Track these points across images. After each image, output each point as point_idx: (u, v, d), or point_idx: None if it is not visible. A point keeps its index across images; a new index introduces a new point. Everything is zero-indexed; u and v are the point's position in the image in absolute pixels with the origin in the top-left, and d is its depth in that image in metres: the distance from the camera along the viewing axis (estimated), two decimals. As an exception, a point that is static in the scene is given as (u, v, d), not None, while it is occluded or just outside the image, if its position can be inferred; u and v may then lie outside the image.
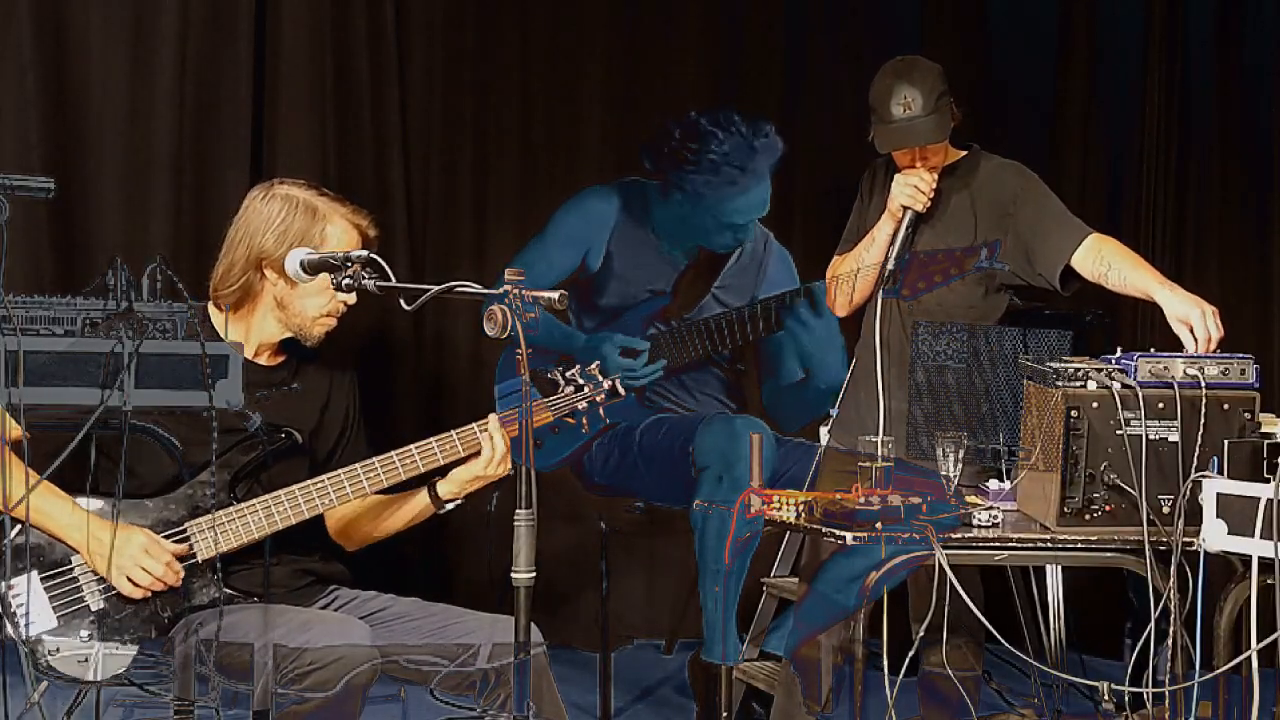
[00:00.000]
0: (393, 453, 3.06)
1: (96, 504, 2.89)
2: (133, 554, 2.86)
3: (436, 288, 2.65)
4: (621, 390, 3.23)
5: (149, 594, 2.89)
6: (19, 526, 2.83)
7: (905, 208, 3.63)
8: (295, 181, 3.21)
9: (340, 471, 3.04)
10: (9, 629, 2.71)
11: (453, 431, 3.09)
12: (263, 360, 3.17)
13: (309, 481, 3.02)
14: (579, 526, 4.66)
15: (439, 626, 3.08)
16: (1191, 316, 3.28)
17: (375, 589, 3.24)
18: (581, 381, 3.19)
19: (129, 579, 2.87)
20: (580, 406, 3.18)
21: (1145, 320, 4.79)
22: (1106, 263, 3.53)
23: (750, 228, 4.88)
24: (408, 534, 4.54)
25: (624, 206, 4.86)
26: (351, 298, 3.11)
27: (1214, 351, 3.24)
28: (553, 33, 4.88)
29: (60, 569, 2.88)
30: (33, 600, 2.84)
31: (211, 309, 3.13)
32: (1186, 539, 3.00)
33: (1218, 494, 2.95)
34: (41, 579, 2.87)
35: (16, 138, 4.15)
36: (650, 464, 4.55)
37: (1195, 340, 3.27)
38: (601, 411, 3.20)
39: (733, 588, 4.02)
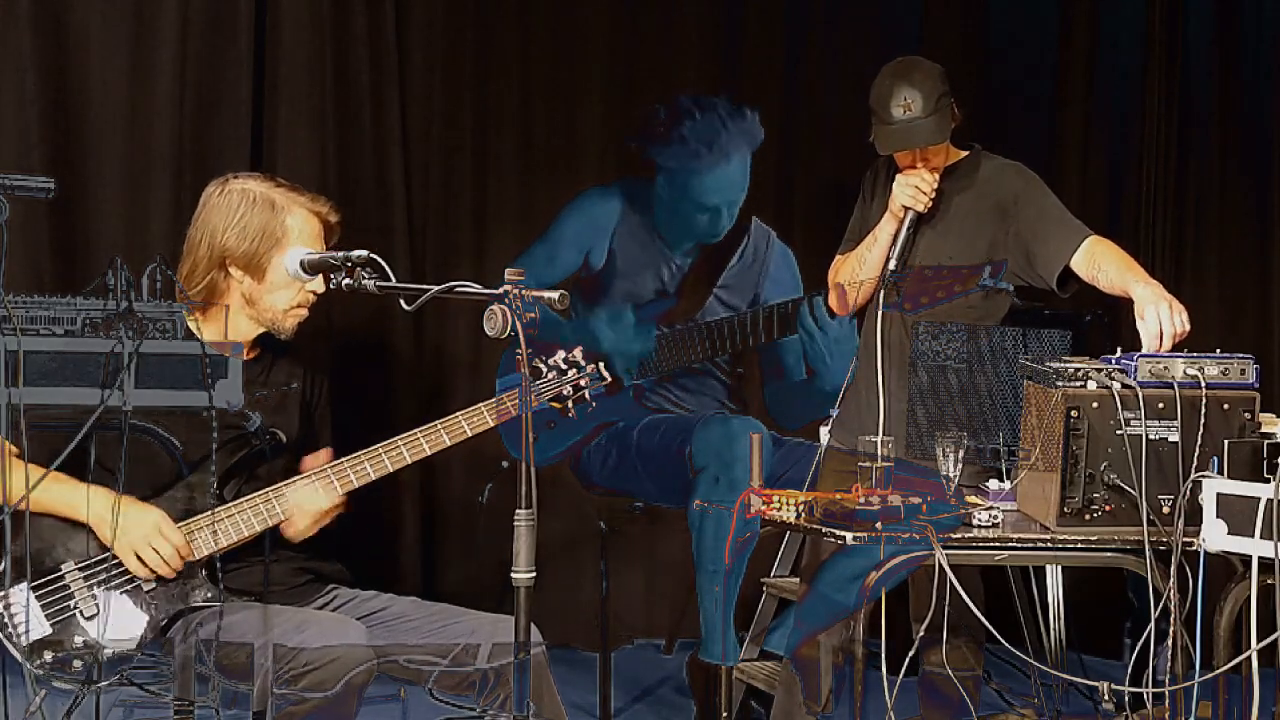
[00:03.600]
0: (378, 445, 3.05)
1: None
2: (146, 532, 2.87)
3: (436, 288, 2.65)
4: (606, 374, 3.22)
5: (153, 576, 2.89)
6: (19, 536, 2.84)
7: (906, 208, 3.63)
8: (250, 175, 3.21)
9: (327, 467, 3.04)
10: (4, 640, 2.71)
11: (437, 423, 3.07)
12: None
13: (298, 478, 3.02)
14: (579, 526, 4.66)
15: (438, 626, 3.08)
16: (1148, 311, 3.27)
17: (374, 588, 3.23)
18: (565, 366, 3.18)
19: (138, 556, 2.87)
20: (565, 391, 3.16)
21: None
22: (1098, 265, 3.53)
23: (727, 213, 4.85)
24: (405, 532, 4.60)
25: (626, 206, 4.86)
26: (321, 287, 3.11)
27: (1174, 348, 3.23)
28: (552, 32, 4.88)
29: (51, 576, 2.88)
30: (29, 607, 2.84)
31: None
32: (1186, 539, 3.00)
33: (1218, 494, 2.95)
34: (32, 588, 2.86)
35: (16, 138, 4.15)
36: (648, 464, 4.55)
37: (1154, 333, 3.26)
38: (588, 395, 3.19)
39: (731, 588, 4.02)
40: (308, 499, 3.01)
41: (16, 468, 2.55)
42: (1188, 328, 3.26)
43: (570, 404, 3.17)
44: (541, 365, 3.16)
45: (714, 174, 4.81)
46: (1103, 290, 3.54)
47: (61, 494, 2.87)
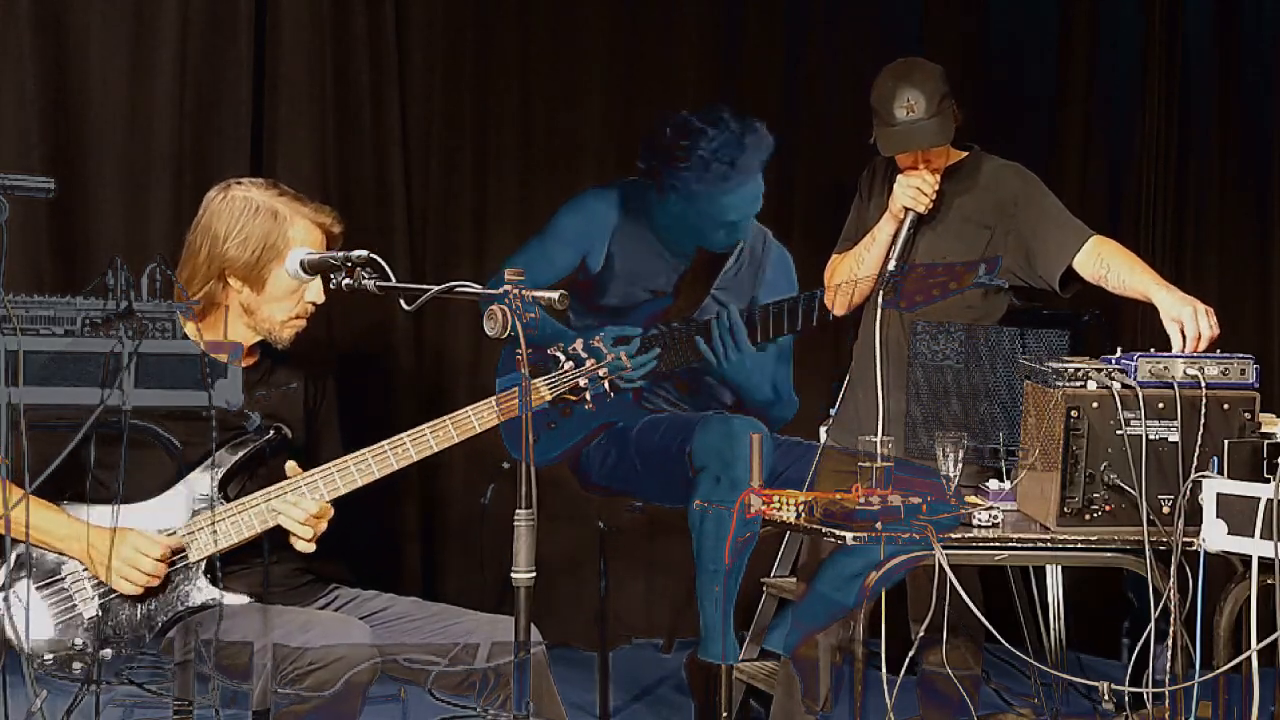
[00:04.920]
0: (384, 442, 3.03)
1: (93, 510, 2.88)
2: (126, 555, 2.86)
3: (436, 288, 2.65)
4: (627, 363, 3.18)
5: (140, 591, 2.90)
6: (20, 545, 2.84)
7: (907, 209, 3.62)
8: (254, 181, 3.16)
9: (331, 465, 3.02)
10: (9, 636, 2.71)
11: (445, 417, 3.04)
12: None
13: (300, 477, 3.01)
14: (579, 526, 4.67)
15: (439, 626, 3.08)
16: (1183, 315, 3.28)
17: (375, 588, 3.23)
18: (584, 355, 3.13)
19: (124, 579, 2.87)
20: (582, 383, 3.12)
21: (1145, 320, 4.78)
22: (1106, 265, 3.53)
23: (745, 225, 4.87)
24: (406, 533, 4.60)
25: (625, 207, 4.86)
26: (320, 298, 3.09)
27: (1207, 350, 3.24)
28: (552, 33, 4.89)
29: (53, 577, 2.89)
30: (30, 608, 2.84)
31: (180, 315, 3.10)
32: (1186, 539, 3.00)
33: (1218, 494, 2.95)
34: (37, 587, 2.87)
35: (16, 138, 4.15)
36: (647, 464, 4.55)
37: (1185, 339, 3.27)
38: (607, 386, 3.14)
39: (731, 587, 4.02)
40: (288, 509, 2.98)
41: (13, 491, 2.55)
42: (1218, 330, 3.27)
43: (588, 395, 3.13)
44: (559, 354, 3.12)
45: (739, 192, 4.81)
46: (1111, 291, 3.54)
47: (48, 527, 2.88)
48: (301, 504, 2.97)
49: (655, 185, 4.83)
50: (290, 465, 3.03)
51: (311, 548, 3.02)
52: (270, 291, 3.06)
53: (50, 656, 2.84)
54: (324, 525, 3.03)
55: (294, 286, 3.04)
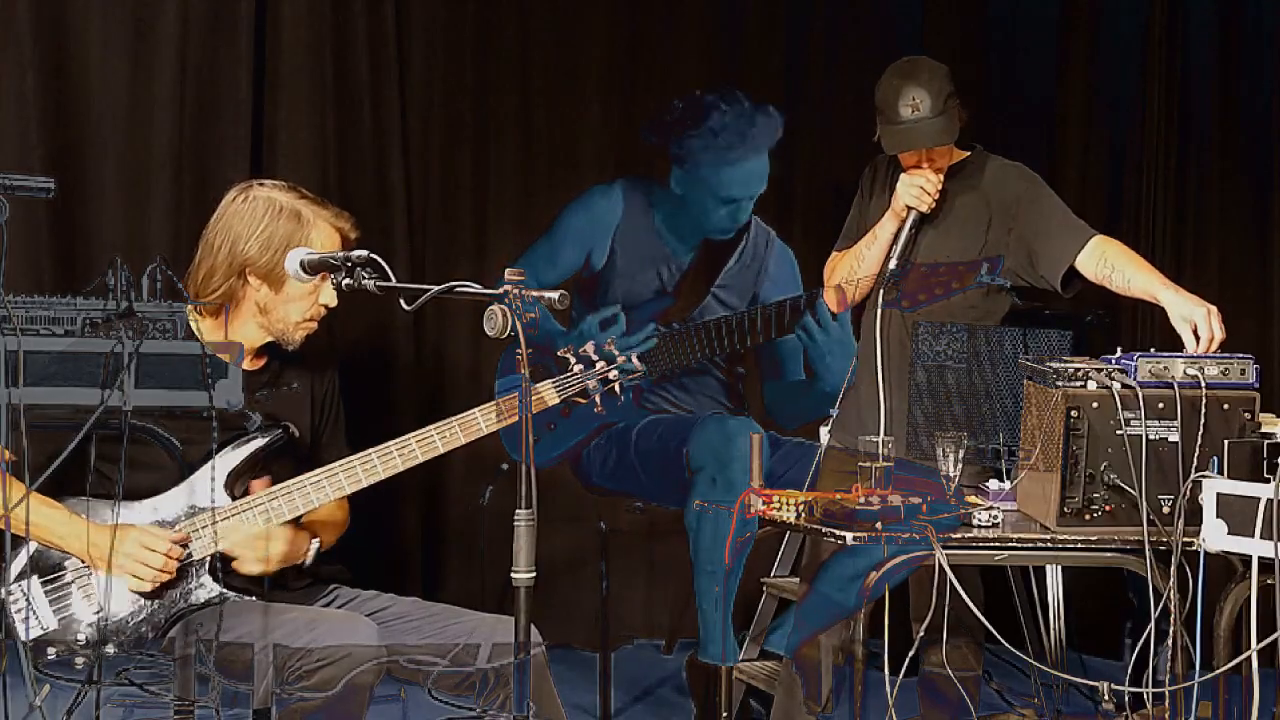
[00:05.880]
0: (390, 443, 3.03)
1: (95, 507, 2.88)
2: (131, 551, 2.86)
3: (436, 288, 2.65)
4: (637, 365, 3.17)
5: (158, 585, 2.89)
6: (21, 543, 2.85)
7: (910, 208, 3.62)
8: (275, 184, 3.17)
9: (336, 465, 3.02)
10: (11, 630, 2.71)
11: (454, 418, 3.04)
12: (245, 365, 3.14)
13: (304, 477, 3.01)
14: (579, 527, 4.67)
15: (438, 626, 3.08)
16: (1195, 316, 3.29)
17: (375, 588, 3.23)
18: (595, 358, 3.13)
19: (136, 575, 2.87)
20: (590, 385, 3.12)
21: (1145, 320, 4.79)
22: (1111, 265, 3.53)
23: (746, 206, 4.87)
24: (406, 533, 4.61)
25: (628, 204, 4.87)
26: (333, 301, 3.10)
27: (1214, 352, 3.25)
28: (552, 32, 4.89)
29: (56, 573, 2.89)
30: (32, 603, 2.84)
31: (190, 313, 3.10)
32: (1186, 539, 3.00)
33: (1218, 494, 2.95)
34: (40, 583, 2.87)
35: (17, 138, 4.15)
36: (646, 465, 4.56)
37: (1197, 340, 3.28)
38: (618, 388, 3.15)
39: (730, 588, 4.02)
40: (235, 530, 2.95)
41: (14, 487, 2.55)
42: (1224, 333, 3.28)
43: (598, 399, 3.13)
44: (569, 356, 3.12)
45: (743, 166, 4.83)
46: (1115, 291, 3.54)
47: (47, 524, 2.88)
48: (241, 527, 2.95)
49: (658, 181, 4.84)
50: (254, 483, 3.02)
51: (255, 568, 2.99)
52: (288, 292, 3.07)
53: (52, 652, 2.84)
54: (280, 546, 2.99)
55: (310, 288, 3.06)
